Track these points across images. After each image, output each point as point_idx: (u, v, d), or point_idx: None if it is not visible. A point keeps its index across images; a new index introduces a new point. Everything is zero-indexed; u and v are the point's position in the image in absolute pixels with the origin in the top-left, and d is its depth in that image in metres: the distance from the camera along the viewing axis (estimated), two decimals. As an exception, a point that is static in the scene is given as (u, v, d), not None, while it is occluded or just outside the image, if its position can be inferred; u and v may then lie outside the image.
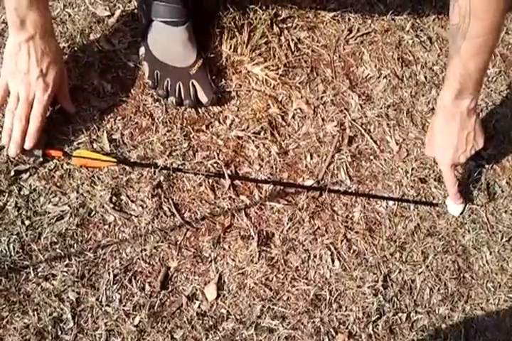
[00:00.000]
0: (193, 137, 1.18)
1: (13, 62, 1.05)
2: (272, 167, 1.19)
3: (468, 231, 1.22)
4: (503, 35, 1.42)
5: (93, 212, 1.10)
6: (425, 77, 1.33)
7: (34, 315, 1.02)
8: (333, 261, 1.15)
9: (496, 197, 1.26)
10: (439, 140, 1.14)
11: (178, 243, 1.11)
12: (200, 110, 1.20)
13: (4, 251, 1.04)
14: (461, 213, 1.22)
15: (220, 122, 1.20)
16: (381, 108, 1.28)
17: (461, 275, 1.19)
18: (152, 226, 1.10)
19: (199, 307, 1.08)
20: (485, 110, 1.32)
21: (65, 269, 1.05)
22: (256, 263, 1.12)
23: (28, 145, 1.07)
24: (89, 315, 1.04)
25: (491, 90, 1.35)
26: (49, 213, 1.08)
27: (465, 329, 1.16)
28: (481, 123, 1.28)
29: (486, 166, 1.28)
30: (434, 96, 1.31)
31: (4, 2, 1.01)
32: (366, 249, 1.17)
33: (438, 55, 1.35)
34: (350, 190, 1.20)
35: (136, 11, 1.24)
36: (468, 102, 1.08)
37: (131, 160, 1.14)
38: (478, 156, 1.27)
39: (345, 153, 1.23)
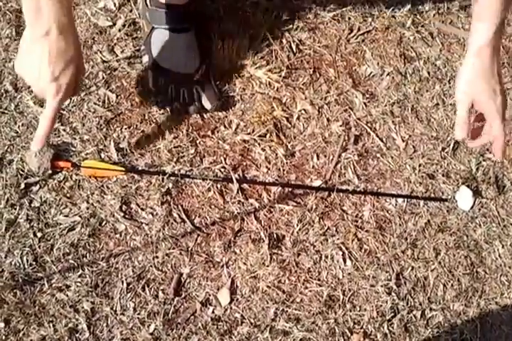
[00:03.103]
0: (199, 143, 1.13)
1: (26, 60, 0.89)
2: (279, 169, 1.14)
3: (480, 225, 1.16)
4: (506, 28, 1.35)
5: (104, 222, 1.05)
6: (428, 73, 1.27)
7: (50, 326, 0.98)
8: (344, 261, 1.10)
9: (506, 190, 1.20)
10: (487, 86, 0.94)
11: (190, 249, 1.06)
12: (205, 115, 1.15)
13: (18, 264, 1.00)
14: (471, 207, 1.17)
15: (225, 127, 1.15)
16: (385, 105, 1.23)
17: (474, 270, 1.13)
18: (163, 233, 1.06)
19: (213, 312, 1.03)
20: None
21: (79, 279, 1.01)
22: (268, 266, 1.07)
23: (33, 147, 0.94)
24: (105, 324, 1.00)
25: (495, 83, 1.28)
26: (60, 224, 1.04)
27: (481, 324, 1.11)
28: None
29: (494, 160, 1.21)
30: (438, 92, 1.25)
31: None
32: (377, 248, 1.12)
33: (440, 49, 1.29)
34: (358, 189, 1.15)
35: (137, 20, 1.20)
36: (501, 34, 0.94)
37: (139, 168, 1.09)
38: (485, 150, 1.21)
39: (352, 152, 1.17)
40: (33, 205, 1.04)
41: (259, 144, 1.15)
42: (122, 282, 1.02)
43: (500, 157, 0.99)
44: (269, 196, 1.11)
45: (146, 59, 1.15)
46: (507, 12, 0.93)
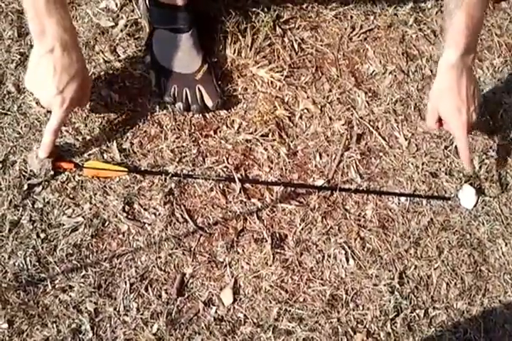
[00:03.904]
0: (201, 143, 1.11)
1: (34, 74, 0.96)
2: (282, 168, 1.12)
3: (483, 223, 1.14)
4: (507, 24, 1.32)
5: (107, 222, 1.03)
6: (431, 71, 1.24)
7: (53, 327, 0.96)
8: (347, 260, 1.07)
9: (509, 188, 1.17)
10: (450, 104, 1.02)
11: (192, 249, 1.04)
12: (207, 115, 1.13)
13: (21, 265, 0.98)
14: (475, 206, 1.14)
15: (227, 126, 1.13)
16: (388, 104, 1.20)
17: (478, 268, 1.11)
18: (166, 234, 1.04)
19: (216, 312, 1.01)
20: (492, 100, 1.23)
21: (82, 280, 0.99)
22: (270, 266, 1.05)
23: (40, 155, 1.01)
24: (108, 325, 0.98)
25: (497, 80, 1.26)
26: (63, 225, 1.02)
27: (484, 322, 1.08)
28: (490, 113, 1.21)
29: (497, 157, 1.19)
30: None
31: (25, 11, 0.92)
32: (380, 247, 1.09)
33: (442, 47, 1.25)
34: (361, 188, 1.13)
35: (139, 20, 1.17)
36: (472, 56, 1.00)
37: (142, 168, 1.07)
38: (489, 148, 1.18)
39: (355, 151, 1.15)
40: (36, 206, 1.02)
41: (261, 144, 1.12)
42: (125, 282, 1.00)
43: (469, 168, 1.09)
44: (272, 195, 1.09)
45: (148, 59, 1.13)
46: (474, 38, 1.00)
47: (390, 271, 1.08)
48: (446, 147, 1.18)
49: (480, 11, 0.96)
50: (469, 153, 1.06)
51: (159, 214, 1.05)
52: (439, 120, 1.08)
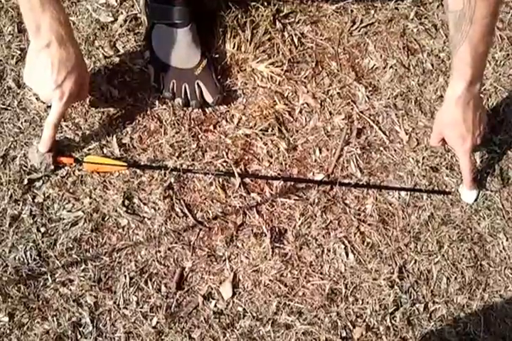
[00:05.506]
0: (201, 137, 1.13)
1: (32, 69, 0.99)
2: (282, 163, 1.13)
3: (484, 218, 1.15)
4: (510, 18, 1.33)
5: (107, 217, 1.05)
6: (432, 65, 1.25)
7: (53, 320, 0.98)
8: (347, 255, 1.09)
9: (510, 182, 1.18)
10: (456, 131, 1.05)
11: (192, 243, 1.06)
12: (207, 110, 1.15)
13: (22, 259, 1.01)
14: (475, 200, 1.15)
15: (227, 121, 1.15)
16: (389, 98, 1.21)
17: (478, 263, 1.12)
18: (165, 228, 1.06)
19: (215, 306, 1.03)
20: (494, 95, 1.24)
21: (82, 274, 1.01)
22: (270, 260, 1.06)
23: (41, 149, 1.03)
24: (108, 318, 1.00)
25: (500, 74, 1.26)
26: (63, 219, 1.04)
27: (484, 317, 1.09)
28: (491, 108, 1.21)
29: (498, 151, 1.19)
30: (442, 84, 1.23)
31: (19, 6, 0.94)
32: (380, 241, 1.10)
33: (444, 41, 1.27)
34: (361, 183, 1.14)
35: (139, 15, 1.19)
36: (479, 86, 1.02)
37: (142, 163, 1.09)
38: (490, 142, 1.19)
39: (355, 145, 1.16)
40: (36, 201, 1.04)
41: (261, 138, 1.14)
42: (125, 276, 1.02)
43: (470, 187, 1.13)
44: (271, 190, 1.11)
45: (147, 54, 1.15)
46: (480, 69, 1.01)
47: (389, 265, 1.09)
48: (447, 141, 1.19)
49: (485, 41, 0.97)
50: (472, 175, 1.11)
51: (159, 209, 1.07)
52: (443, 139, 1.11)
